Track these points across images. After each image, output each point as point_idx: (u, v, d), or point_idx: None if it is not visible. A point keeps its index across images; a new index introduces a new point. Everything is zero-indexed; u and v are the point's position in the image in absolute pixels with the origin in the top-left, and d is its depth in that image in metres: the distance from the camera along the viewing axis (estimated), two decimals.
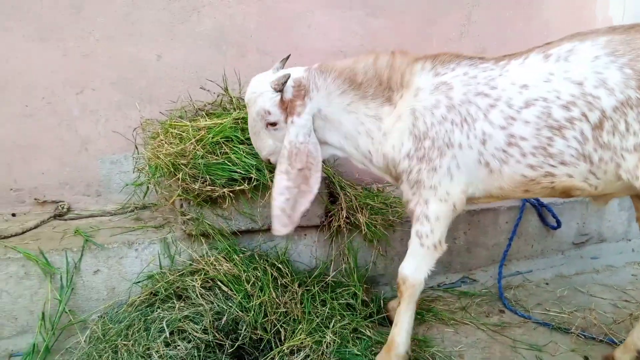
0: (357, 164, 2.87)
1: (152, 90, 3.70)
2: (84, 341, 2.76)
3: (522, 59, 2.46)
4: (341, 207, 3.39)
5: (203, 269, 2.98)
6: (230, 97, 3.50)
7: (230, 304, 2.81)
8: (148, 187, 3.47)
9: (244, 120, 3.10)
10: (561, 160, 2.38)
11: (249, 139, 2.94)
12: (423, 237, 2.60)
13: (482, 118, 2.44)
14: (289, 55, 2.88)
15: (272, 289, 2.95)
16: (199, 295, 2.80)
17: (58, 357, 2.83)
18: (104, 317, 2.87)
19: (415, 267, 2.66)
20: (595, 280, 3.93)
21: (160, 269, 3.08)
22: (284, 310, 2.96)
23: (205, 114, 3.43)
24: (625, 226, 4.32)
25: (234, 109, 3.36)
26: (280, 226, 2.56)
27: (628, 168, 2.32)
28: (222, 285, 2.91)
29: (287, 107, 2.60)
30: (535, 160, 2.42)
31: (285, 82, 2.55)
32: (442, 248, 2.65)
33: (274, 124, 2.66)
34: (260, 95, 2.61)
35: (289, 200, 2.54)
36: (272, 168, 2.87)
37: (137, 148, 3.46)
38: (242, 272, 2.95)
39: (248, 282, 2.92)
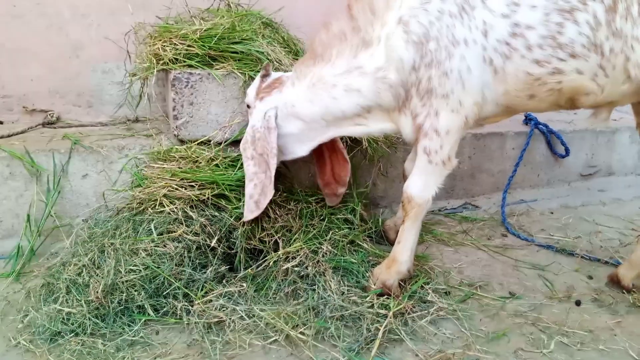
0: (350, 134, 2.74)
1: None
2: (69, 245, 2.66)
3: None
4: None
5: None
6: (229, 3, 3.31)
7: (223, 214, 2.70)
8: (141, 96, 3.31)
9: (242, 20, 2.95)
10: (571, 51, 2.22)
11: (245, 39, 2.80)
12: (432, 154, 2.38)
13: (481, 5, 2.24)
14: None
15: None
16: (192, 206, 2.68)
17: (42, 259, 2.74)
18: (89, 221, 2.77)
19: (423, 185, 2.47)
20: (602, 212, 3.81)
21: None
22: (282, 224, 2.84)
23: (202, 20, 3.25)
24: (635, 160, 4.18)
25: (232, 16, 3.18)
26: (248, 212, 2.58)
27: (637, 61, 2.21)
28: (212, 198, 2.78)
29: (258, 93, 2.65)
30: (542, 54, 2.23)
31: (267, 70, 2.66)
32: (451, 164, 2.44)
33: (248, 106, 2.73)
34: (254, 82, 2.73)
35: (257, 186, 2.56)
36: None
37: (129, 55, 3.30)
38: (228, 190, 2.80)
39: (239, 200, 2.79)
